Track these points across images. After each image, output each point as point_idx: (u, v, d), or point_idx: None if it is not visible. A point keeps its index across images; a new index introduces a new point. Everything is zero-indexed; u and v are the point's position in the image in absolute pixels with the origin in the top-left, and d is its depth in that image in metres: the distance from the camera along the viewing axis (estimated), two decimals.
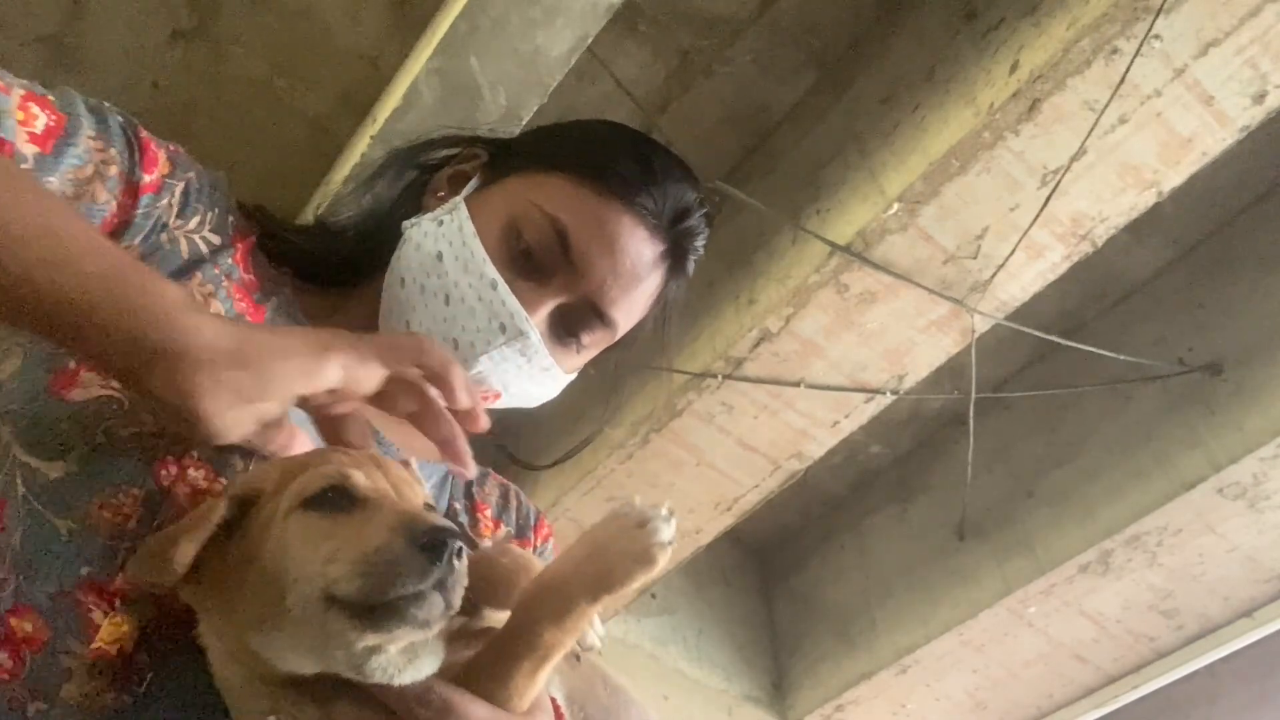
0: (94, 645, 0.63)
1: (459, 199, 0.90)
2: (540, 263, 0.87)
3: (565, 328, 0.90)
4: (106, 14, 1.95)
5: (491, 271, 0.86)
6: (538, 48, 1.51)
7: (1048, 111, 1.69)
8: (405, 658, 0.62)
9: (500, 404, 0.93)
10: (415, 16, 1.90)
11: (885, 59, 2.12)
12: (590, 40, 1.55)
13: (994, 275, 1.92)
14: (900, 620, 2.69)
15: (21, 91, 0.72)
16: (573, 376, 0.96)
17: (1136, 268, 2.52)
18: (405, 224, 0.92)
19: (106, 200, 0.74)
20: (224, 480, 0.70)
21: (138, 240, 0.77)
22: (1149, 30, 1.57)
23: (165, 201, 0.79)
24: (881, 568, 2.84)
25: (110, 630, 0.63)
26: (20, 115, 0.70)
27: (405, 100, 1.54)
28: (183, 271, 0.78)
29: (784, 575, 3.13)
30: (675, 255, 0.93)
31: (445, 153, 1.00)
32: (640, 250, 0.89)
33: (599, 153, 0.91)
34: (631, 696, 0.81)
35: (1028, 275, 1.94)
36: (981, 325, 1.99)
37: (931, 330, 2.01)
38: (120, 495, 0.66)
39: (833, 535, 3.06)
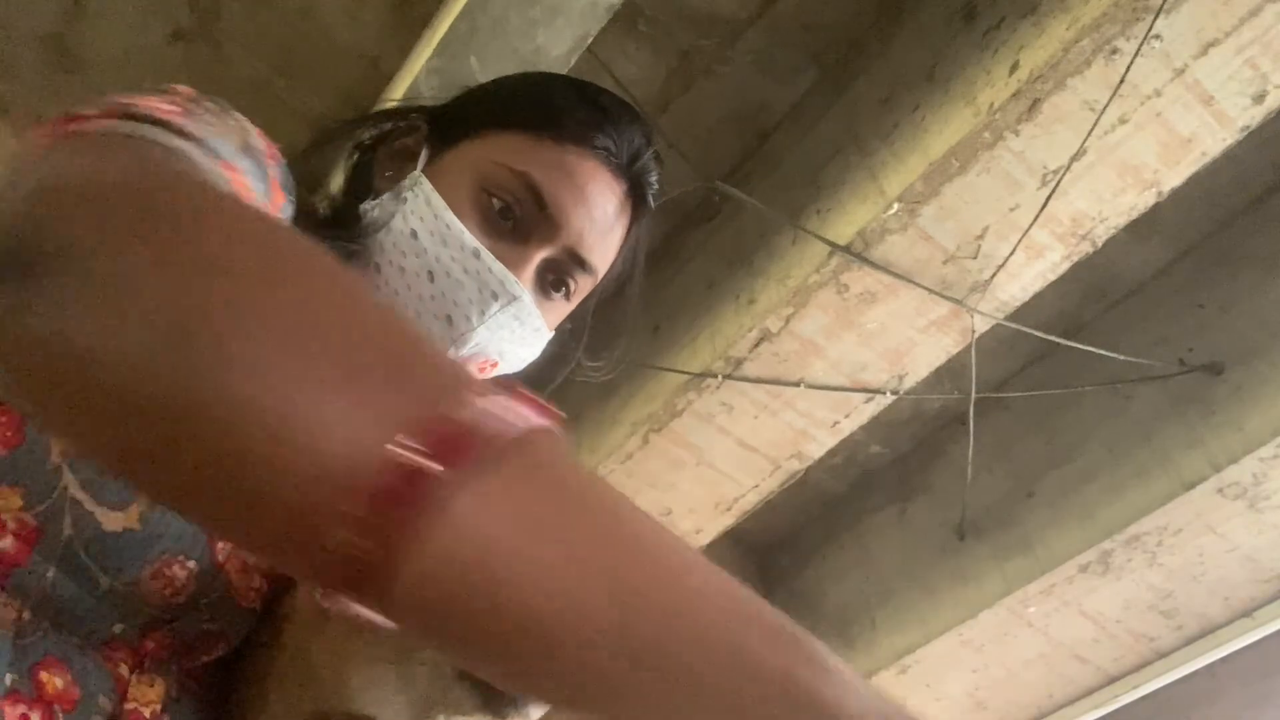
0: (129, 706, 0.60)
1: (417, 173, 0.87)
2: (516, 222, 0.85)
3: (550, 283, 0.89)
4: (106, 14, 1.95)
5: (471, 241, 0.84)
6: (538, 48, 1.51)
7: (1048, 111, 1.69)
8: None
9: (495, 373, 0.92)
10: (415, 16, 1.90)
11: (885, 59, 2.12)
12: (590, 40, 1.55)
13: (994, 275, 1.92)
14: (900, 620, 2.69)
15: (226, 169, 0.60)
16: (552, 334, 0.94)
17: (1136, 268, 2.52)
18: (364, 206, 0.88)
19: None
20: None
21: None
22: (1149, 30, 1.57)
23: None
24: (881, 568, 2.84)
25: (142, 691, 0.61)
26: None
27: (405, 100, 1.54)
28: None
29: (784, 575, 3.12)
30: (635, 194, 0.92)
31: (379, 129, 0.96)
32: (608, 193, 0.88)
33: (548, 103, 0.89)
34: None
35: (1028, 275, 1.94)
36: (981, 325, 1.99)
37: (931, 330, 2.01)
38: (175, 566, 0.61)
39: (833, 535, 3.05)
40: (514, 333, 0.88)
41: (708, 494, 2.31)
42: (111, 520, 0.60)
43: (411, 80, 1.54)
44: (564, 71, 1.55)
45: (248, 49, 1.99)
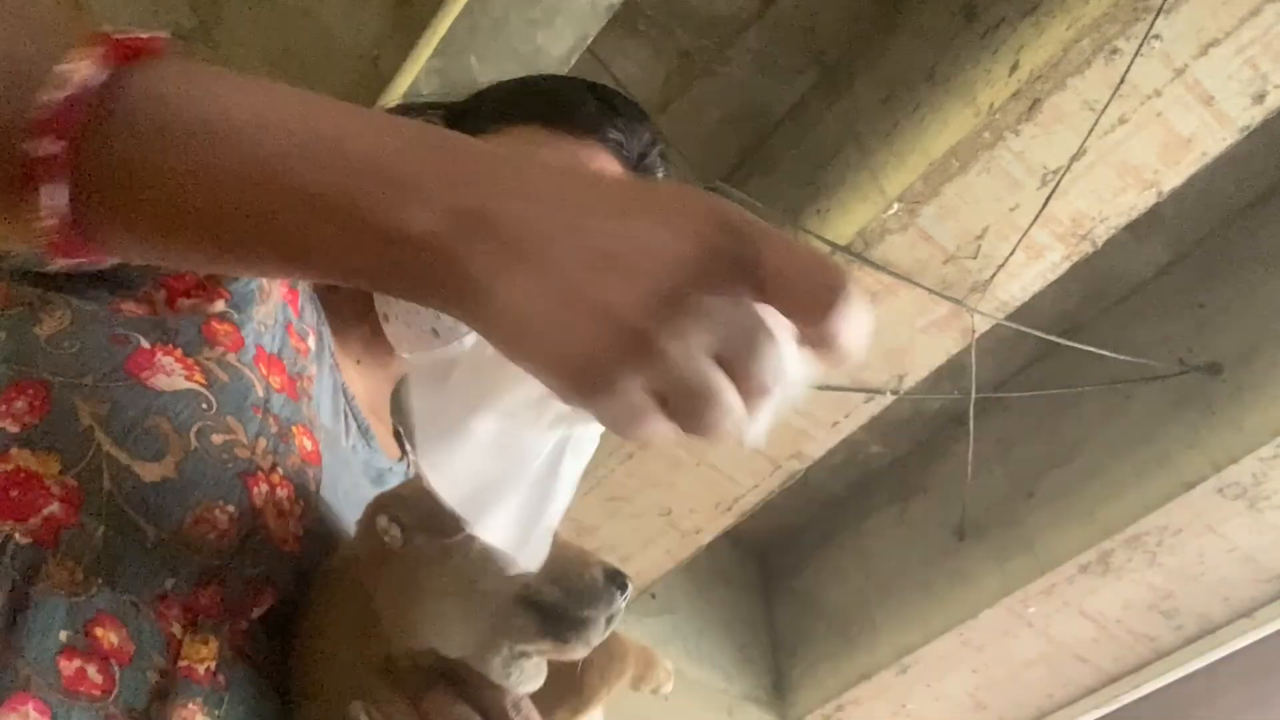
0: (182, 663, 0.60)
1: None
2: None
3: None
4: (106, 14, 1.95)
5: None
6: (538, 48, 1.51)
7: (1048, 111, 1.69)
8: (535, 669, 0.68)
9: None
10: (415, 16, 1.90)
11: (885, 59, 2.12)
12: (590, 40, 1.55)
13: (994, 275, 1.92)
14: (900, 620, 2.69)
15: None
16: None
17: (1136, 268, 2.52)
18: None
19: None
20: (302, 503, 0.68)
21: None
22: (1149, 30, 1.57)
23: None
24: (881, 568, 2.84)
25: (195, 649, 0.61)
26: None
27: (405, 100, 1.54)
28: None
29: (784, 575, 3.13)
30: None
31: None
32: None
33: (561, 96, 0.91)
34: None
35: (1028, 275, 1.94)
36: (981, 325, 1.99)
37: (931, 330, 2.01)
38: (216, 511, 0.62)
39: (833, 535, 3.05)
40: None
41: (708, 494, 2.31)
42: (149, 471, 0.61)
43: (411, 80, 1.54)
44: (564, 72, 1.55)
45: (248, 49, 1.99)
